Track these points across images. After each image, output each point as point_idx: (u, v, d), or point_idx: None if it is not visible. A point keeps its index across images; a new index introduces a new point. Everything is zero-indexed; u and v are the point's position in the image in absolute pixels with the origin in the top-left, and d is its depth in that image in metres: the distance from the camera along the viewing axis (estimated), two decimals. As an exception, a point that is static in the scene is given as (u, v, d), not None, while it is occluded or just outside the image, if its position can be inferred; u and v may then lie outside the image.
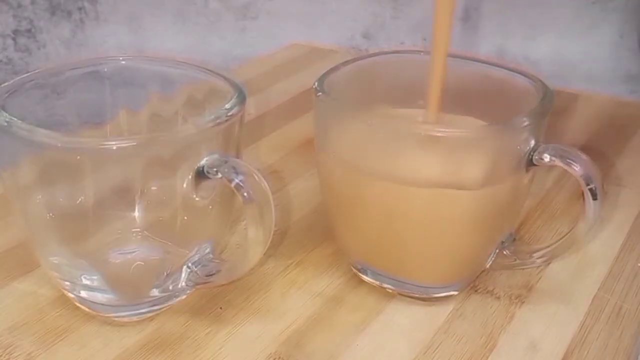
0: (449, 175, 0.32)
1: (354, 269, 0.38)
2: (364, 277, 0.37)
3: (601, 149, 0.51)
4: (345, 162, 0.34)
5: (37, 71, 0.34)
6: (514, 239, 0.36)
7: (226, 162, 0.30)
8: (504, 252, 0.36)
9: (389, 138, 0.32)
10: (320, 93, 0.34)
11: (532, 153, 0.32)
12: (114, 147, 0.29)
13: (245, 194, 0.30)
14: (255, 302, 0.36)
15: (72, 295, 0.34)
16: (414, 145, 0.32)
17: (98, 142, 0.29)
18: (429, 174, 0.32)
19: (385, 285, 0.36)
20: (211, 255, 0.34)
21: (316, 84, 0.34)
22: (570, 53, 0.79)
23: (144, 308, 0.34)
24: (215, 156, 0.31)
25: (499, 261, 0.36)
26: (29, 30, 0.81)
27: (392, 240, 0.34)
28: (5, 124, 0.29)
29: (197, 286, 0.34)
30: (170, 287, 0.34)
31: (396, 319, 0.35)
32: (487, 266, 0.36)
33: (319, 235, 0.41)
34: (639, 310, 0.36)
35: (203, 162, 0.31)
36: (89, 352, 0.32)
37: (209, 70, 0.35)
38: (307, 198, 0.44)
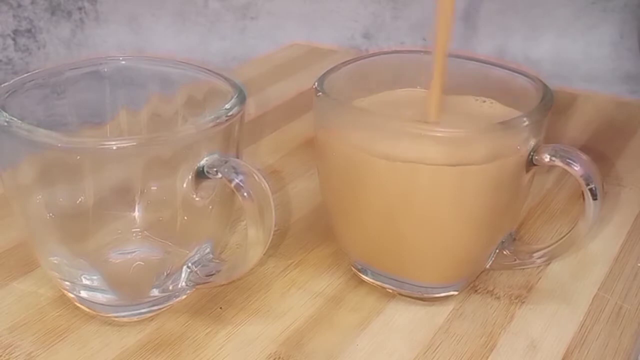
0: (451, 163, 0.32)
1: (354, 269, 0.37)
2: (364, 277, 0.37)
3: (601, 149, 0.51)
4: (345, 160, 0.34)
5: (37, 71, 0.34)
6: (514, 239, 0.36)
7: (226, 162, 0.30)
8: (504, 252, 0.36)
9: (390, 137, 0.32)
10: (320, 93, 0.34)
11: (532, 153, 0.32)
12: (114, 147, 0.29)
13: (245, 194, 0.30)
14: (255, 302, 0.36)
15: (72, 295, 0.34)
16: (415, 141, 0.32)
17: (98, 142, 0.29)
18: (430, 159, 0.32)
19: (385, 285, 0.36)
20: (211, 255, 0.34)
21: (316, 84, 0.34)
22: (570, 53, 0.79)
23: (144, 308, 0.34)
24: (215, 156, 0.31)
25: (499, 261, 0.36)
26: (29, 30, 0.81)
27: (392, 238, 0.34)
28: (5, 124, 0.29)
29: (197, 286, 0.34)
30: (170, 287, 0.34)
31: (396, 319, 0.35)
32: (487, 266, 0.36)
33: (319, 235, 0.41)
34: (639, 310, 0.36)
35: (203, 162, 0.31)
36: (89, 352, 0.32)
37: (209, 70, 0.35)
38: (307, 198, 0.44)
